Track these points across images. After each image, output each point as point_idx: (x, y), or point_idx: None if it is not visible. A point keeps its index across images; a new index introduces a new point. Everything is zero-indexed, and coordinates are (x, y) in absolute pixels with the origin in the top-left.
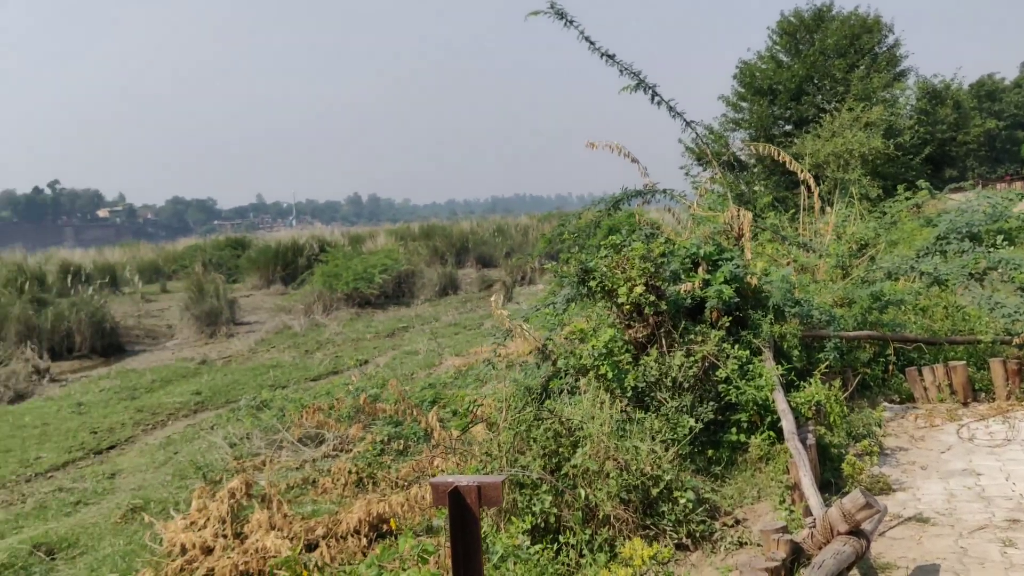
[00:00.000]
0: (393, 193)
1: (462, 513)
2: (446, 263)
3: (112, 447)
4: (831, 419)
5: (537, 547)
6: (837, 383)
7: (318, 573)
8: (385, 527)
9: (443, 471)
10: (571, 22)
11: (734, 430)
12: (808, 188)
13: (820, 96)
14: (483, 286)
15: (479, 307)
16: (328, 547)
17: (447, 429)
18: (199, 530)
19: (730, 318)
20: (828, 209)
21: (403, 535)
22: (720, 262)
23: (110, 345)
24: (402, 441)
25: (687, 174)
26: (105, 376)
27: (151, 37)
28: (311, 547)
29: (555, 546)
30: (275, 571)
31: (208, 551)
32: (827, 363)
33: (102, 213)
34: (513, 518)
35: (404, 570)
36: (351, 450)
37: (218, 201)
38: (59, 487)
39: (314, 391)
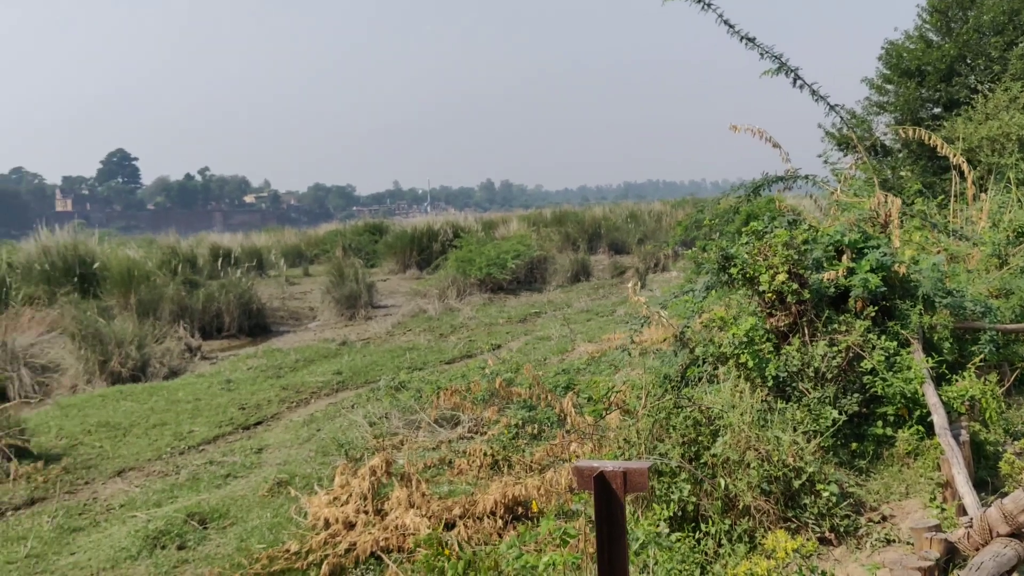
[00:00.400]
0: (525, 179)
1: (607, 498)
2: (578, 249)
3: (259, 423)
4: (987, 415)
5: (676, 535)
6: (993, 377)
7: (460, 552)
8: (520, 510)
9: (579, 456)
10: (708, 5)
11: (880, 423)
12: (960, 174)
13: (973, 77)
14: (615, 273)
15: (611, 294)
16: (465, 527)
17: (581, 415)
18: (342, 505)
19: (876, 308)
20: (982, 196)
21: (545, 518)
22: (866, 250)
23: (256, 325)
24: (536, 425)
25: (825, 161)
26: (252, 355)
27: (295, 30)
28: (448, 526)
29: (696, 535)
30: (417, 548)
31: (350, 526)
32: (982, 356)
33: (248, 199)
34: (654, 505)
35: (541, 552)
36: (486, 433)
37: (357, 187)
38: (210, 460)
39: (449, 374)
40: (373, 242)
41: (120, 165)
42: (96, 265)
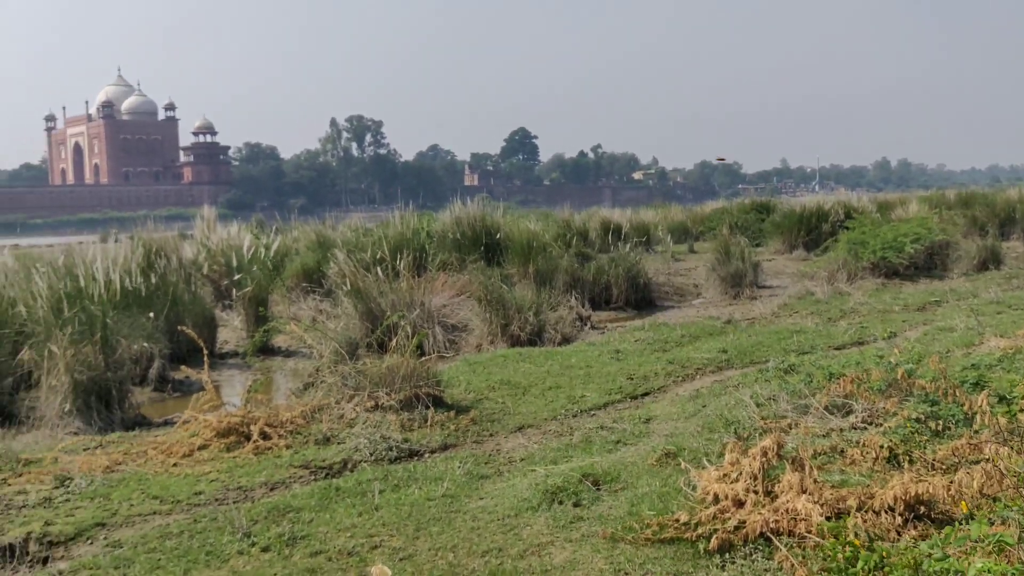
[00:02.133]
0: (925, 158)
1: None
2: (986, 235)
3: (646, 394)
4: None
5: None
6: None
7: (869, 544)
8: (922, 509)
9: (993, 459)
10: None
11: None
12: None
13: None
14: None
15: None
16: (862, 519)
17: (995, 415)
18: (731, 483)
19: None
20: None
21: (976, 522)
22: None
23: (642, 299)
24: (939, 422)
25: None
26: (639, 328)
27: (696, 14)
28: (839, 517)
29: None
30: (812, 534)
31: (739, 504)
32: None
33: (636, 176)
34: None
35: (966, 558)
36: (880, 424)
37: (743, 165)
38: (601, 425)
39: (840, 360)
40: (759, 221)
41: (521, 143)
42: (499, 236)
